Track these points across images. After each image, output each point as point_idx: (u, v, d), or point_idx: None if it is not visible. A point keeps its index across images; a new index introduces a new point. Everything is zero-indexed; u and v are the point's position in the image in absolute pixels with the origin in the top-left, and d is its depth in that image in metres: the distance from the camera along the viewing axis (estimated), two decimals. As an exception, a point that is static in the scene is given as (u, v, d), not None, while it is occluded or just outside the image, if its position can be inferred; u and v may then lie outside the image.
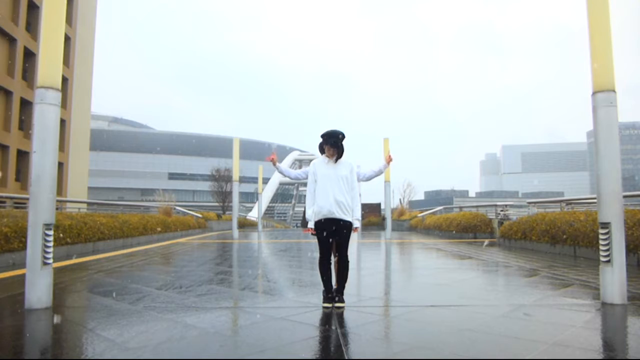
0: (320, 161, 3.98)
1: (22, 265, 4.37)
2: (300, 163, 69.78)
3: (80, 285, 5.13)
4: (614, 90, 3.93)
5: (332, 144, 3.86)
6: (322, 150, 4.00)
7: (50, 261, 3.72)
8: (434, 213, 21.01)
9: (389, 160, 4.54)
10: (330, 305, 3.74)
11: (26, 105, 25.91)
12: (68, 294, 4.58)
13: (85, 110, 34.81)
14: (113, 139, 77.41)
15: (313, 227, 3.85)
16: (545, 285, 4.96)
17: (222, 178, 31.86)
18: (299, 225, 60.79)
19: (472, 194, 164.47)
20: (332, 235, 3.81)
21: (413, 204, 30.90)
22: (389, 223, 14.54)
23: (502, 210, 13.82)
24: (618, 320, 3.50)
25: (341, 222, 3.79)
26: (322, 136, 3.93)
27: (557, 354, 2.57)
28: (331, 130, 3.91)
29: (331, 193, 3.80)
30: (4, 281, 5.21)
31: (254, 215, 34.23)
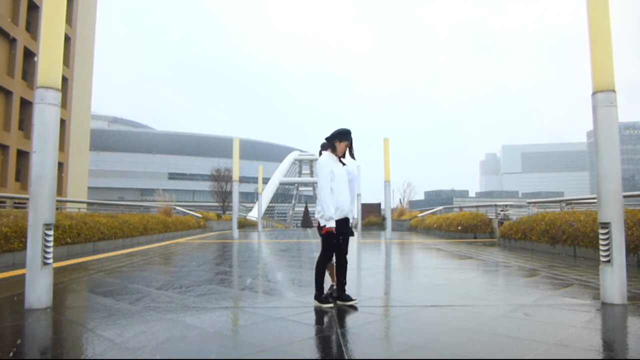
0: (332, 159, 3.89)
1: (22, 265, 4.37)
2: (300, 163, 69.83)
3: (80, 285, 5.12)
4: (614, 90, 3.93)
5: (349, 141, 3.86)
6: (324, 148, 3.97)
7: (50, 261, 3.72)
8: (434, 213, 21.01)
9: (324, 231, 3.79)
10: (332, 305, 3.76)
11: (26, 105, 25.91)
12: (68, 294, 4.58)
13: (85, 110, 34.82)
14: (113, 139, 77.41)
15: (334, 226, 3.70)
16: (545, 285, 4.96)
17: (222, 178, 31.84)
18: (298, 225, 60.69)
19: (472, 194, 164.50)
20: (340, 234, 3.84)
21: (413, 204, 30.91)
22: (389, 223, 14.54)
23: (502, 210, 13.82)
24: (618, 320, 3.50)
25: (349, 222, 3.86)
26: (341, 134, 3.85)
27: (557, 354, 2.57)
28: (347, 129, 3.88)
29: (345, 193, 3.84)
30: (4, 281, 5.21)
31: (254, 215, 34.25)
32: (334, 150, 3.91)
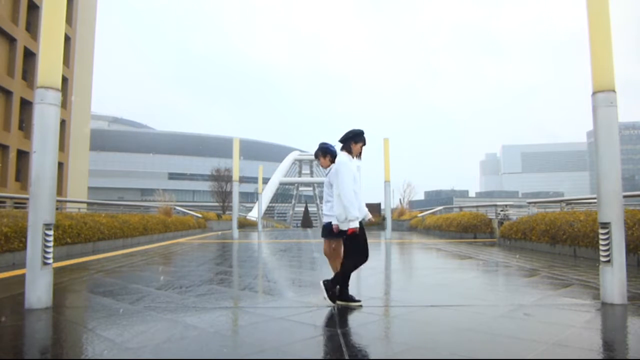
0: (350, 160, 3.88)
1: (22, 265, 4.37)
2: (300, 163, 69.78)
3: (80, 285, 5.12)
4: (614, 90, 3.93)
5: (364, 142, 3.90)
6: (324, 149, 3.98)
7: (50, 261, 3.72)
8: (434, 213, 21.01)
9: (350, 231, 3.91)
10: (361, 303, 3.83)
11: (26, 105, 25.93)
12: (68, 293, 4.58)
13: (85, 110, 34.85)
14: (113, 139, 77.47)
15: (358, 226, 3.74)
16: (545, 285, 4.96)
17: (222, 178, 31.82)
18: (298, 225, 60.64)
19: (472, 194, 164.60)
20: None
21: (413, 204, 30.90)
22: (389, 223, 14.53)
23: (502, 210, 13.82)
24: (618, 320, 3.50)
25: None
26: (357, 135, 3.86)
27: (557, 354, 2.57)
28: (362, 130, 3.89)
29: (361, 195, 3.87)
30: (4, 281, 5.21)
31: (254, 215, 34.24)
32: (349, 152, 3.90)
